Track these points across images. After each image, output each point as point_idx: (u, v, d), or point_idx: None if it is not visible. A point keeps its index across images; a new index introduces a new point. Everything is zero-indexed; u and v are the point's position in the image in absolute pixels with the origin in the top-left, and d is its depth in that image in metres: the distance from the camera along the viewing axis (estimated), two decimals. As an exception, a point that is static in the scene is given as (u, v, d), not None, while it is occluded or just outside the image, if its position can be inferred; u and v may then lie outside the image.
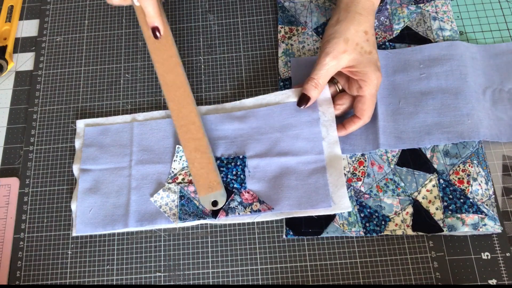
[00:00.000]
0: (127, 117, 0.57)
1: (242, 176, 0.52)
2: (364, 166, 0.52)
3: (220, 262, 0.51)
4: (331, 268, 0.49)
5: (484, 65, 0.56)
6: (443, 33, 0.57)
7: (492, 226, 0.47)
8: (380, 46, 0.58)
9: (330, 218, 0.50)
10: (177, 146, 0.54)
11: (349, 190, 0.51)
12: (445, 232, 0.48)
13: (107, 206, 0.53)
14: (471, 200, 0.49)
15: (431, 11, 0.59)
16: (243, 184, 0.51)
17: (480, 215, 0.48)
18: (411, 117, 0.53)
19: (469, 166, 0.50)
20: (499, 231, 0.48)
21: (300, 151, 0.52)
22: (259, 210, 0.50)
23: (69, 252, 0.53)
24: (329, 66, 0.49)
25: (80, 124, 0.58)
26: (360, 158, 0.53)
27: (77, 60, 0.63)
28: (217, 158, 0.53)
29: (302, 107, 0.52)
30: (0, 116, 0.60)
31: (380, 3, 0.56)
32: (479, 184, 0.50)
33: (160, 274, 0.51)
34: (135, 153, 0.55)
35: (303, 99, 0.52)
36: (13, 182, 0.56)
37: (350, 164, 0.53)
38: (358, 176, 0.52)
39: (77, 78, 0.61)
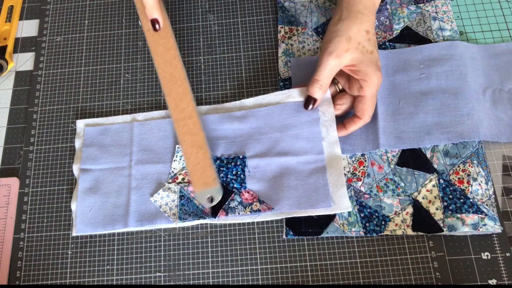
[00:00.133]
0: (127, 117, 0.57)
1: (242, 176, 0.52)
2: (364, 166, 0.52)
3: (220, 262, 0.51)
4: (331, 268, 0.49)
5: (484, 65, 0.56)
6: (443, 33, 0.57)
7: (492, 226, 0.47)
8: (380, 46, 0.58)
9: (330, 218, 0.50)
10: (177, 146, 0.54)
11: (349, 190, 0.51)
12: (445, 232, 0.48)
13: (107, 206, 0.53)
14: (471, 200, 0.49)
15: (431, 11, 0.59)
16: (243, 184, 0.51)
17: (480, 215, 0.48)
18: (411, 117, 0.53)
19: (469, 166, 0.50)
20: (499, 231, 0.48)
21: (300, 151, 0.52)
22: (259, 210, 0.50)
23: (69, 252, 0.53)
24: (332, 65, 0.49)
25: (80, 124, 0.58)
26: (360, 158, 0.53)
27: (77, 60, 0.63)
28: (217, 158, 0.53)
29: (309, 109, 0.52)
30: (0, 116, 0.60)
31: (381, 2, 0.56)
32: (479, 184, 0.50)
33: (160, 274, 0.51)
34: (135, 153, 0.55)
35: (309, 102, 0.52)
36: (13, 182, 0.56)
37: (350, 164, 0.53)
38: (358, 176, 0.52)
39: (77, 78, 0.61)
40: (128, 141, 0.56)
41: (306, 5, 0.62)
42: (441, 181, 0.50)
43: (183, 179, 0.53)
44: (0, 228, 0.54)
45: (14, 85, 0.62)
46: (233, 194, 0.51)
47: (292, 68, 0.58)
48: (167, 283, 0.50)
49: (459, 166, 0.51)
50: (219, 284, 0.50)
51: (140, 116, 0.57)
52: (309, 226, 0.50)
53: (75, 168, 0.55)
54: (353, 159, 0.53)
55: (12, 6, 0.67)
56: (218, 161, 0.53)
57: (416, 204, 0.50)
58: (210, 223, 0.52)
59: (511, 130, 0.52)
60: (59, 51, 0.63)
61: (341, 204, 0.49)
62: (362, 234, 0.49)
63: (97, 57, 0.62)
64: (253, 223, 0.52)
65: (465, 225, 0.48)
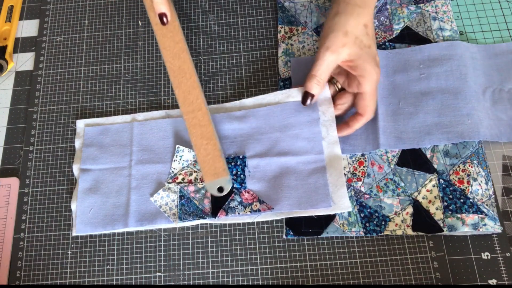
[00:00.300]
0: (127, 117, 0.57)
1: (242, 176, 0.52)
2: (364, 166, 0.52)
3: (220, 262, 0.51)
4: (331, 268, 0.49)
5: (484, 65, 0.56)
6: (443, 33, 0.57)
7: (492, 226, 0.47)
8: (380, 46, 0.58)
9: (330, 218, 0.50)
10: (177, 146, 0.54)
11: (349, 190, 0.51)
12: (445, 232, 0.48)
13: (107, 206, 0.53)
14: (471, 200, 0.49)
15: (431, 11, 0.59)
16: (243, 184, 0.51)
17: (480, 215, 0.48)
18: (411, 117, 0.53)
19: (469, 166, 0.50)
20: (499, 231, 0.48)
21: (300, 151, 0.52)
22: (259, 210, 0.50)
23: (69, 252, 0.53)
24: (329, 61, 0.49)
25: (80, 124, 0.58)
26: (360, 158, 0.53)
27: (77, 60, 0.63)
28: (217, 158, 0.53)
29: (307, 104, 0.52)
30: (0, 116, 0.60)
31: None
32: (479, 184, 0.50)
33: (160, 274, 0.51)
34: (135, 153, 0.55)
35: (306, 97, 0.51)
36: (13, 182, 0.56)
37: (350, 164, 0.53)
38: (358, 176, 0.52)
39: (77, 78, 0.61)
40: (128, 141, 0.56)
41: (306, 5, 0.62)
42: (441, 181, 0.50)
43: (183, 179, 0.53)
44: (0, 228, 0.54)
45: (14, 85, 0.62)
46: (233, 194, 0.51)
47: (292, 68, 0.58)
48: (167, 283, 0.50)
49: (459, 166, 0.51)
50: (219, 284, 0.50)
51: (140, 116, 0.57)
52: (309, 226, 0.50)
53: (75, 168, 0.55)
54: (353, 159, 0.53)
55: (12, 6, 0.67)
56: (218, 161, 0.53)
57: (416, 204, 0.50)
58: (210, 223, 0.52)
59: (511, 130, 0.52)
60: (59, 51, 0.63)
61: (341, 204, 0.49)
62: (362, 234, 0.49)
63: (97, 57, 0.62)
64: (253, 223, 0.52)
65: (465, 225, 0.48)
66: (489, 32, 0.59)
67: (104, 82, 0.61)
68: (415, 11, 0.59)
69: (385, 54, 0.56)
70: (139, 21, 0.64)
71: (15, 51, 0.64)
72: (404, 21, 0.59)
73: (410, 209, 0.50)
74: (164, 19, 0.52)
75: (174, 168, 0.53)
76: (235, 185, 0.51)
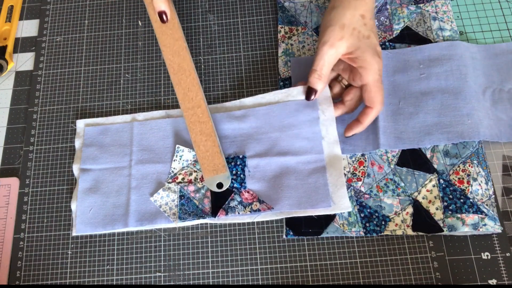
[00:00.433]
0: (127, 117, 0.57)
1: (242, 175, 0.52)
2: (364, 166, 0.52)
3: (220, 262, 0.51)
4: (331, 268, 0.49)
5: (484, 65, 0.56)
6: (443, 33, 0.57)
7: (492, 226, 0.47)
8: (380, 46, 0.58)
9: (330, 218, 0.50)
10: (177, 146, 0.54)
11: (349, 190, 0.51)
12: (445, 232, 0.48)
13: (107, 205, 0.53)
14: (471, 200, 0.49)
15: (431, 11, 0.59)
16: (243, 184, 0.51)
17: (480, 215, 0.48)
18: (411, 117, 0.53)
19: (469, 166, 0.50)
20: (499, 231, 0.48)
21: (300, 150, 0.52)
22: (259, 210, 0.50)
23: (69, 252, 0.53)
24: (328, 55, 0.49)
25: (80, 124, 0.58)
26: (360, 158, 0.53)
27: (77, 60, 0.63)
28: (217, 158, 0.53)
29: (311, 99, 0.52)
30: (0, 116, 0.60)
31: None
32: (479, 184, 0.50)
33: (160, 274, 0.51)
34: (135, 153, 0.55)
35: (310, 93, 0.51)
36: (13, 182, 0.56)
37: (350, 164, 0.53)
38: (358, 176, 0.52)
39: (77, 78, 0.61)
40: (128, 141, 0.56)
41: (306, 5, 0.62)
42: (441, 181, 0.50)
43: (183, 178, 0.53)
44: (0, 228, 0.54)
45: (14, 85, 0.62)
46: (233, 194, 0.51)
47: (292, 68, 0.58)
48: (167, 283, 0.50)
49: (459, 166, 0.51)
50: (219, 284, 0.50)
51: (140, 116, 0.57)
52: (309, 226, 0.50)
53: (75, 168, 0.55)
54: (353, 159, 0.53)
55: (12, 6, 0.67)
56: (218, 161, 0.53)
57: (416, 204, 0.50)
58: (210, 223, 0.52)
59: (511, 130, 0.52)
60: (59, 51, 0.63)
61: (341, 204, 0.49)
62: (362, 234, 0.49)
63: (97, 57, 0.62)
64: (253, 223, 0.52)
65: (465, 225, 0.48)
66: (489, 32, 0.59)
67: (104, 82, 0.61)
68: (415, 11, 0.59)
69: (385, 54, 0.56)
70: (139, 21, 0.64)
71: (15, 51, 0.64)
72: (404, 21, 0.59)
73: (410, 209, 0.50)
74: (164, 17, 0.52)
75: (174, 168, 0.53)
76: (235, 185, 0.51)
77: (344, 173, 0.52)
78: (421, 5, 0.60)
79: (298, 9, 0.62)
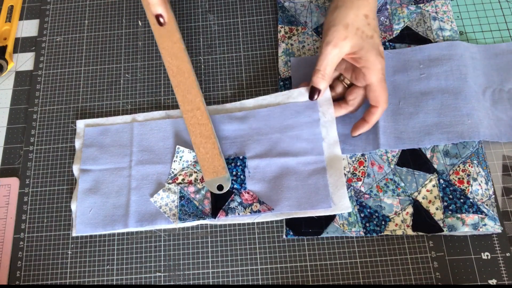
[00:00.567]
0: (127, 118, 0.57)
1: (242, 176, 0.52)
2: (364, 166, 0.53)
3: (220, 262, 0.51)
4: (331, 268, 0.49)
5: (484, 65, 0.56)
6: (443, 33, 0.57)
7: (492, 226, 0.47)
8: (380, 46, 0.58)
9: (330, 218, 0.50)
10: (177, 146, 0.54)
11: (349, 190, 0.51)
12: (445, 232, 0.48)
13: (107, 206, 0.53)
14: (471, 200, 0.49)
15: (431, 11, 0.59)
16: (243, 185, 0.51)
17: (480, 215, 0.48)
18: (411, 117, 0.53)
19: (469, 166, 0.50)
20: (499, 231, 0.48)
21: (300, 151, 0.52)
22: (259, 211, 0.50)
23: (69, 252, 0.53)
24: (332, 55, 0.49)
25: (80, 124, 0.58)
26: (360, 158, 0.53)
27: (77, 60, 0.63)
28: (217, 158, 0.53)
29: (314, 99, 0.52)
30: (0, 116, 0.60)
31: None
32: (479, 184, 0.50)
33: (160, 274, 0.51)
34: (135, 154, 0.55)
35: (313, 92, 0.51)
36: (13, 182, 0.56)
37: (350, 164, 0.53)
38: (358, 176, 0.52)
39: (77, 78, 0.61)
40: (128, 141, 0.56)
41: (306, 5, 0.62)
42: (441, 181, 0.50)
43: (183, 179, 0.53)
44: (0, 228, 0.54)
45: (14, 85, 0.62)
46: (233, 195, 0.51)
47: (292, 67, 0.58)
48: (167, 283, 0.50)
49: (459, 166, 0.51)
50: (219, 284, 0.50)
51: (140, 116, 0.57)
52: (309, 226, 0.50)
53: (75, 169, 0.55)
54: (353, 159, 0.53)
55: (12, 6, 0.67)
56: (218, 161, 0.53)
57: (416, 204, 0.50)
58: (210, 223, 0.52)
59: (511, 130, 0.52)
60: (59, 51, 0.63)
61: (341, 204, 0.49)
62: (362, 234, 0.49)
63: (97, 57, 0.62)
64: (253, 223, 0.52)
65: (465, 225, 0.48)
66: (489, 32, 0.59)
67: (104, 82, 0.61)
68: (415, 11, 0.59)
69: (385, 54, 0.56)
70: (139, 21, 0.64)
71: (15, 51, 0.64)
72: (404, 21, 0.59)
73: (410, 209, 0.50)
74: (161, 20, 0.52)
75: (174, 169, 0.53)
76: (235, 186, 0.51)
77: (344, 173, 0.52)
78: (421, 5, 0.60)
79: (298, 9, 0.62)
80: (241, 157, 0.53)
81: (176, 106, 0.58)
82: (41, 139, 0.58)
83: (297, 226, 0.50)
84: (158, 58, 0.61)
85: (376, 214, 0.50)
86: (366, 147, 0.53)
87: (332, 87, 0.54)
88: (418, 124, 0.52)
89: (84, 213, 0.53)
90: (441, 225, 0.48)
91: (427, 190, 0.50)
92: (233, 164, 0.52)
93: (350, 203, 0.51)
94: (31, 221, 0.54)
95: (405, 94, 0.54)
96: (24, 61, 0.63)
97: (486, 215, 0.48)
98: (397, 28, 0.59)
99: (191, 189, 0.52)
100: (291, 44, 0.60)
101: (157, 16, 0.52)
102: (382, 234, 0.49)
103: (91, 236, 0.53)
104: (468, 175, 0.50)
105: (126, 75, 0.61)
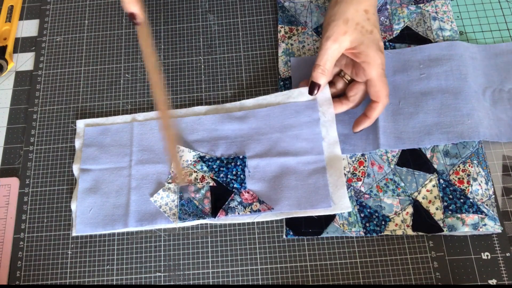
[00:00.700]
0: (127, 117, 0.57)
1: (242, 176, 0.52)
2: (364, 166, 0.52)
3: (220, 262, 0.51)
4: (331, 268, 0.49)
5: (484, 65, 0.56)
6: (443, 33, 0.57)
7: (492, 226, 0.47)
8: (380, 46, 0.58)
9: (330, 218, 0.50)
10: (177, 146, 0.54)
11: (349, 190, 0.51)
12: (445, 232, 0.48)
13: (107, 206, 0.53)
14: (471, 200, 0.49)
15: (431, 11, 0.59)
16: (243, 184, 0.51)
17: (480, 215, 0.48)
18: (411, 117, 0.53)
19: (469, 166, 0.50)
20: (499, 231, 0.48)
21: (300, 151, 0.52)
22: (259, 210, 0.50)
23: (69, 252, 0.53)
24: (332, 50, 0.49)
25: (80, 124, 0.58)
26: (360, 158, 0.53)
27: (77, 60, 0.63)
28: (217, 158, 0.53)
29: (314, 94, 0.52)
30: (0, 116, 0.60)
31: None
32: (479, 184, 0.50)
33: (160, 274, 0.51)
34: (135, 153, 0.55)
35: (313, 87, 0.51)
36: (13, 182, 0.56)
37: (350, 164, 0.53)
38: (358, 176, 0.52)
39: (77, 78, 0.61)
40: (128, 141, 0.56)
41: (306, 5, 0.62)
42: (441, 181, 0.50)
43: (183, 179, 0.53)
44: (0, 228, 0.54)
45: (14, 85, 0.62)
46: (233, 194, 0.51)
47: (292, 67, 0.58)
48: (167, 283, 0.50)
49: (459, 166, 0.51)
50: (219, 284, 0.50)
51: (140, 116, 0.57)
52: (309, 226, 0.50)
53: (75, 168, 0.55)
54: (353, 159, 0.53)
55: (12, 6, 0.67)
56: (218, 161, 0.53)
57: (416, 204, 0.50)
58: (210, 223, 0.52)
59: (511, 130, 0.52)
60: (59, 51, 0.63)
61: (341, 204, 0.49)
62: (362, 234, 0.49)
63: (97, 57, 0.62)
64: (253, 223, 0.52)
65: (465, 225, 0.48)
66: (489, 32, 0.59)
67: (104, 82, 0.61)
68: (415, 11, 0.59)
69: (385, 54, 0.56)
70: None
71: (15, 51, 0.64)
72: (404, 21, 0.59)
73: (410, 209, 0.50)
74: (135, 20, 0.48)
75: (174, 168, 0.53)
76: (235, 185, 0.51)
77: (344, 173, 0.52)
78: (421, 5, 0.60)
79: (298, 9, 0.62)
80: (241, 157, 0.53)
81: (176, 106, 0.58)
82: (41, 139, 0.58)
83: (297, 226, 0.50)
84: (157, 58, 0.61)
85: (376, 214, 0.50)
86: (366, 147, 0.53)
87: (333, 83, 0.54)
88: (418, 124, 0.52)
89: (84, 213, 0.53)
90: (441, 225, 0.48)
91: (427, 190, 0.50)
92: (233, 164, 0.52)
93: (350, 203, 0.51)
94: (31, 221, 0.54)
95: (405, 94, 0.54)
96: (24, 61, 0.63)
97: (486, 215, 0.48)
98: (397, 28, 0.59)
99: (191, 188, 0.52)
100: (291, 44, 0.60)
101: (131, 15, 0.48)
102: (382, 234, 0.49)
103: (91, 236, 0.53)
104: (468, 175, 0.50)
105: (126, 75, 0.61)
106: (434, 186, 0.50)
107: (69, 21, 0.65)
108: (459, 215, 0.48)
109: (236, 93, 0.59)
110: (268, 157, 0.52)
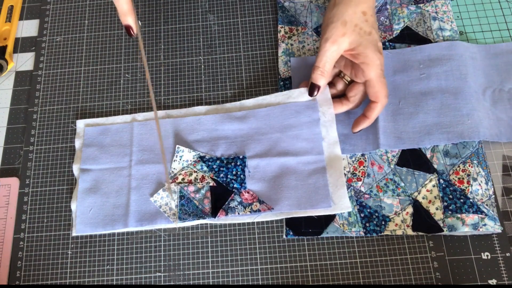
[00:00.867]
0: (127, 117, 0.57)
1: (242, 176, 0.52)
2: (364, 166, 0.52)
3: (220, 262, 0.51)
4: (331, 268, 0.49)
5: (484, 65, 0.56)
6: (443, 33, 0.57)
7: (492, 226, 0.47)
8: (380, 46, 0.58)
9: (330, 218, 0.50)
10: (177, 146, 0.54)
11: (349, 190, 0.51)
12: (445, 232, 0.48)
13: (107, 206, 0.53)
14: (471, 200, 0.49)
15: (431, 11, 0.59)
16: (243, 184, 0.51)
17: (480, 215, 0.48)
18: (411, 117, 0.53)
19: (469, 166, 0.50)
20: (499, 231, 0.48)
21: (300, 151, 0.52)
22: (259, 210, 0.50)
23: (69, 252, 0.53)
24: (330, 51, 0.49)
25: (80, 124, 0.58)
26: (360, 158, 0.53)
27: (77, 60, 0.63)
28: (217, 158, 0.53)
29: (314, 95, 0.52)
30: (0, 116, 0.60)
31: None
32: (479, 184, 0.50)
33: (160, 274, 0.51)
34: (135, 153, 0.55)
35: (313, 89, 0.52)
36: (13, 182, 0.56)
37: (350, 164, 0.53)
38: (358, 176, 0.52)
39: (77, 78, 0.61)
40: (128, 141, 0.56)
41: (306, 5, 0.62)
42: (441, 181, 0.50)
43: (183, 179, 0.53)
44: (0, 228, 0.54)
45: (14, 85, 0.62)
46: (233, 194, 0.51)
47: (292, 67, 0.58)
48: (167, 283, 0.50)
49: (459, 166, 0.51)
50: (219, 284, 0.50)
51: (140, 116, 0.57)
52: (309, 226, 0.50)
53: (75, 168, 0.55)
54: (353, 159, 0.53)
55: (12, 6, 0.67)
56: (218, 161, 0.53)
57: (416, 204, 0.50)
58: (210, 223, 0.52)
59: (511, 130, 0.52)
60: (59, 51, 0.63)
61: (341, 204, 0.49)
62: (362, 234, 0.49)
63: (97, 57, 0.62)
64: (253, 223, 0.52)
65: (465, 225, 0.48)
66: (489, 32, 0.59)
67: (104, 82, 0.61)
68: (415, 11, 0.59)
69: (385, 54, 0.56)
70: (139, 21, 0.64)
71: (15, 51, 0.64)
72: (404, 21, 0.59)
73: (410, 209, 0.50)
74: (131, 31, 0.49)
75: (174, 168, 0.53)
76: (235, 185, 0.51)
77: (344, 173, 0.52)
78: (421, 5, 0.60)
79: (298, 9, 0.62)
80: (241, 157, 0.53)
81: (176, 106, 0.58)
82: (41, 139, 0.58)
83: (297, 226, 0.50)
84: (157, 58, 0.61)
85: (376, 214, 0.50)
86: (366, 147, 0.53)
87: (333, 84, 0.54)
88: (418, 124, 0.52)
89: (84, 213, 0.53)
90: (441, 225, 0.48)
91: (427, 190, 0.50)
92: (233, 164, 0.52)
93: (350, 203, 0.51)
94: (31, 221, 0.54)
95: (405, 94, 0.54)
96: (24, 61, 0.63)
97: (486, 215, 0.48)
98: (397, 28, 0.59)
99: (191, 188, 0.52)
100: (291, 44, 0.60)
101: (127, 28, 0.49)
102: (382, 234, 0.49)
103: (91, 236, 0.53)
104: (468, 175, 0.50)
105: (126, 75, 0.61)
106: (434, 186, 0.50)
107: (69, 21, 0.65)
108: (459, 215, 0.48)
109: (236, 93, 0.59)
110: (268, 157, 0.52)
